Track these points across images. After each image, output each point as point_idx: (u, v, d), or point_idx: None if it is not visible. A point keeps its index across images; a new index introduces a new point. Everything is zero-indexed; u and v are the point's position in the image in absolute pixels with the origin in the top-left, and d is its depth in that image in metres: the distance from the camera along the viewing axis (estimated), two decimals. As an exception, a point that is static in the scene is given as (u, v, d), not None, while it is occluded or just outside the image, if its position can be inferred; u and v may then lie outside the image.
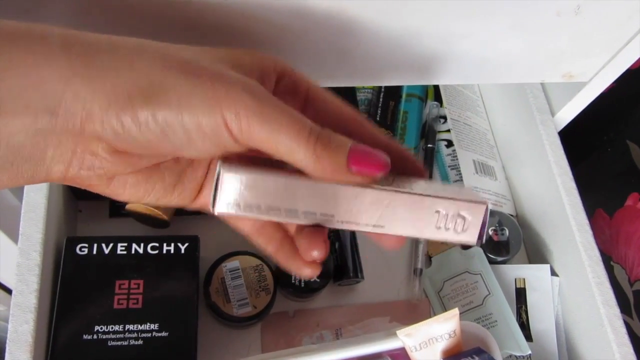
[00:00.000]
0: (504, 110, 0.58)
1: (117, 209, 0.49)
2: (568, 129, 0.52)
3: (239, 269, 0.46)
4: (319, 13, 0.34)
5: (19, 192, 0.47)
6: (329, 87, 0.40)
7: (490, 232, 0.51)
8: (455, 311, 0.38)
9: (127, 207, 0.45)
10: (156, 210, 0.44)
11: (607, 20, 0.39)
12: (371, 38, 0.37)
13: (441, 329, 0.38)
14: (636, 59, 0.44)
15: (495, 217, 0.52)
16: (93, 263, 0.42)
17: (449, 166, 0.57)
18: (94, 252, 0.42)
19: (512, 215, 0.54)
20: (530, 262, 0.53)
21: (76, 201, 0.49)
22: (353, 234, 0.50)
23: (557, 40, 0.40)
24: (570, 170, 0.49)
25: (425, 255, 0.52)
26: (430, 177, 0.56)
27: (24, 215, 0.40)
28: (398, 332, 0.38)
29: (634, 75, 0.54)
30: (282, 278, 0.46)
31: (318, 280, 0.46)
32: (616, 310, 0.43)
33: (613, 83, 0.47)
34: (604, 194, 0.61)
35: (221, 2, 0.32)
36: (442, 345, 0.39)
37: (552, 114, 0.51)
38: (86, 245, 0.42)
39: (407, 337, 0.38)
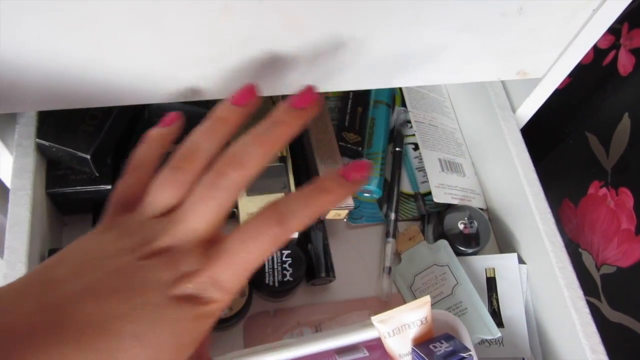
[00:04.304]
0: (470, 108, 0.61)
1: (100, 221, 0.50)
2: (531, 124, 0.54)
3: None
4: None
5: (3, 208, 0.48)
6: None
7: (461, 226, 0.53)
8: (426, 298, 0.40)
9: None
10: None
11: (551, 18, 0.41)
12: (330, 47, 0.39)
13: (413, 315, 0.40)
14: (585, 53, 0.46)
15: (465, 211, 0.54)
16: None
17: (416, 168, 0.59)
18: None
19: (482, 209, 0.56)
20: (501, 252, 0.55)
21: (61, 215, 0.51)
22: (325, 235, 0.52)
23: (506, 39, 0.42)
24: (531, 162, 0.51)
25: (394, 253, 0.53)
26: (399, 179, 0.58)
27: (9, 229, 0.41)
28: (372, 318, 0.40)
29: (587, 69, 0.56)
30: (255, 280, 0.48)
31: (291, 279, 0.48)
32: (579, 292, 0.45)
33: (568, 78, 0.49)
34: (568, 184, 0.63)
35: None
36: (413, 331, 0.40)
37: (513, 110, 0.54)
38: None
39: (381, 323, 0.40)
